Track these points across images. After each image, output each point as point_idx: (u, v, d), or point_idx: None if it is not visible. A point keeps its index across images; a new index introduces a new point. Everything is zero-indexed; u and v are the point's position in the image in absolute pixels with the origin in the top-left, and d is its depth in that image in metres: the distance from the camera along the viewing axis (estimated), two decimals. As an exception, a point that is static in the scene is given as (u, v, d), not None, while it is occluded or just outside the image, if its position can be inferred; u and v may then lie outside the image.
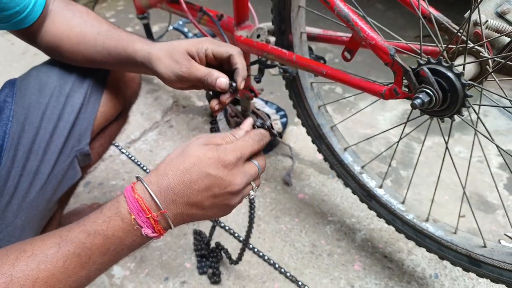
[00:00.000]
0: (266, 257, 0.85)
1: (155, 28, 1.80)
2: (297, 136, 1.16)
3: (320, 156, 1.09)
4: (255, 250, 0.87)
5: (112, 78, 0.68)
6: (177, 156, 0.45)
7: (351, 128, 1.18)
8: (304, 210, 0.96)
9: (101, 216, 0.41)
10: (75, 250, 0.39)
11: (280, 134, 1.12)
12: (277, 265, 0.84)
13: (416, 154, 1.08)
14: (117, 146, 1.16)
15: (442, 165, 0.65)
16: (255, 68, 0.79)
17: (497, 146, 0.56)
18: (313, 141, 0.84)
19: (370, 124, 1.19)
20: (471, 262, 0.64)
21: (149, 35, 1.41)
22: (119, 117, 0.79)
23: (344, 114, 1.24)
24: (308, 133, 0.84)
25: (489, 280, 0.63)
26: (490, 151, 1.08)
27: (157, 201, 0.42)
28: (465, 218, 0.90)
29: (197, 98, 1.35)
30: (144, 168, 1.09)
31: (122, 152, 1.14)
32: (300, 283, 0.80)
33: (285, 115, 1.15)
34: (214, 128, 0.60)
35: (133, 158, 1.12)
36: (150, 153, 1.15)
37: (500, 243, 0.65)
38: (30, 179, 0.59)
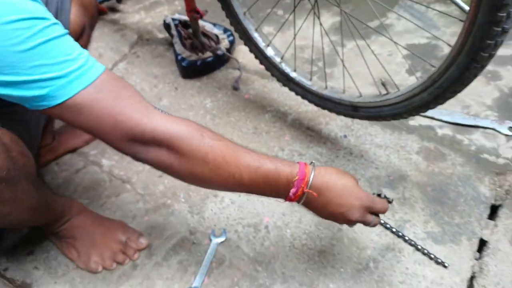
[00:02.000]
0: (219, 140, 1.11)
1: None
2: (244, 53, 1.38)
3: (262, 66, 1.32)
4: (211, 136, 1.12)
5: None
6: (345, 173, 0.67)
7: (288, 41, 1.40)
8: (249, 106, 1.20)
9: (282, 162, 0.63)
10: (255, 160, 0.61)
11: (229, 50, 1.34)
12: (227, 144, 1.09)
13: (338, 56, 1.32)
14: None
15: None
16: None
17: (391, 39, 0.79)
18: (245, 43, 1.06)
19: (304, 37, 1.41)
20: (353, 109, 0.90)
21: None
22: (83, 35, 0.98)
23: (283, 31, 1.46)
24: (240, 37, 1.06)
25: (366, 120, 0.89)
26: (399, 47, 1.32)
27: (310, 183, 0.63)
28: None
29: (158, 31, 1.55)
30: None
31: (99, 80, 1.36)
32: (244, 153, 1.07)
33: (231, 34, 1.36)
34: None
35: (108, 83, 1.34)
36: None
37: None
38: None
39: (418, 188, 0.94)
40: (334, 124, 1.11)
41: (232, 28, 1.09)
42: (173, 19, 1.38)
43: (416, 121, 1.10)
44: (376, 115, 0.85)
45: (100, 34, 1.56)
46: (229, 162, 0.60)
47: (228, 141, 0.63)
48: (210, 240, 0.90)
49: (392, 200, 0.73)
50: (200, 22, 1.33)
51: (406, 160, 1.00)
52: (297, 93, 1.02)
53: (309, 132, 1.10)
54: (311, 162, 0.67)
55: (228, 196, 0.97)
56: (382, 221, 0.88)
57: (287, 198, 0.65)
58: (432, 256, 0.82)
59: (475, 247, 0.84)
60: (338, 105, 0.92)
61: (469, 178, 0.95)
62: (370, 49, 0.88)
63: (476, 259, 0.82)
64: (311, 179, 0.63)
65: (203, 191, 0.99)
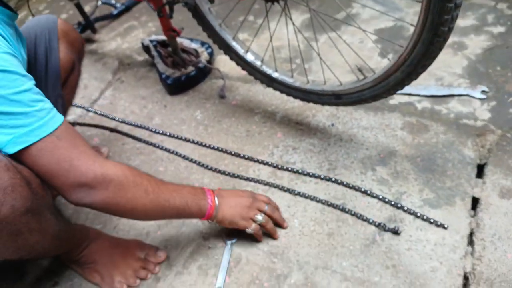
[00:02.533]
0: (216, 147, 1.16)
1: (87, 8, 1.99)
2: (224, 62, 1.44)
3: (244, 72, 1.37)
4: (207, 145, 1.17)
5: (60, 29, 0.91)
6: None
7: (265, 44, 1.46)
8: (237, 111, 1.26)
9: (196, 193, 0.82)
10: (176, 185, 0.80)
11: (209, 62, 1.39)
12: (223, 149, 1.14)
13: (313, 52, 1.38)
14: (83, 108, 1.41)
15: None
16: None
17: (359, 28, 0.86)
18: (225, 53, 1.12)
19: (278, 38, 1.48)
20: (336, 97, 0.96)
21: (82, 13, 1.62)
22: (74, 70, 1.03)
23: (258, 36, 1.52)
24: (219, 47, 1.12)
25: (350, 105, 0.96)
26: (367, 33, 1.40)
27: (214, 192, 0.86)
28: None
29: (137, 54, 1.60)
30: (110, 117, 1.35)
31: (89, 111, 1.40)
32: (241, 155, 1.12)
33: (209, 47, 1.42)
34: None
35: (99, 112, 1.38)
36: (111, 105, 1.41)
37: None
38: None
39: (408, 160, 1.01)
40: (321, 115, 1.17)
41: (210, 41, 1.14)
42: (151, 41, 1.43)
43: (396, 99, 1.16)
44: (358, 99, 0.91)
45: (82, 66, 1.60)
46: (164, 190, 0.76)
47: (152, 176, 0.78)
48: (225, 242, 0.94)
49: (447, 227, 0.87)
50: (178, 40, 1.38)
51: (392, 137, 1.06)
52: (281, 92, 1.08)
53: (299, 126, 1.16)
54: (213, 191, 0.87)
55: (233, 199, 1.02)
56: (380, 196, 0.94)
57: (208, 210, 0.83)
58: (432, 220, 0.88)
59: (469, 205, 0.90)
60: (321, 96, 0.98)
61: (453, 144, 1.01)
62: (342, 39, 0.95)
63: (472, 216, 0.89)
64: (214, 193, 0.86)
65: (208, 198, 1.04)
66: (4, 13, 0.71)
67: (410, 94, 1.15)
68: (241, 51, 1.08)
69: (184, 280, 0.90)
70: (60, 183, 0.65)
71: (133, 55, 1.61)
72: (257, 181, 1.04)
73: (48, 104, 0.65)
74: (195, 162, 1.13)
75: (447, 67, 1.21)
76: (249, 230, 0.88)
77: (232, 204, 0.86)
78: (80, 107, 1.41)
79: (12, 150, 0.61)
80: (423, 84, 1.16)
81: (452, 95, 1.12)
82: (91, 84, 1.51)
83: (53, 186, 0.66)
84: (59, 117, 0.66)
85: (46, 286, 0.93)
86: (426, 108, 1.12)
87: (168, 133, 1.23)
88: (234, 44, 1.08)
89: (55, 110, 0.66)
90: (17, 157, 0.62)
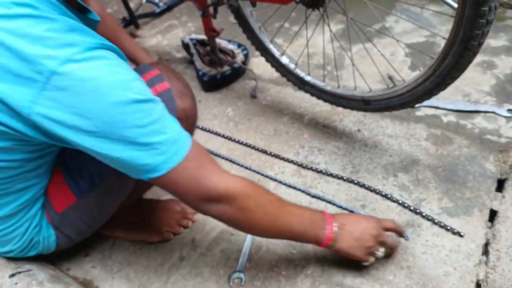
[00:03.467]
0: (244, 143, 1.22)
1: (131, 5, 2.10)
2: (258, 64, 1.51)
3: (276, 74, 1.44)
4: (237, 140, 1.23)
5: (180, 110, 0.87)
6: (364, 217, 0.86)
7: (299, 50, 1.53)
8: (267, 111, 1.32)
9: (309, 208, 0.82)
10: (298, 209, 0.79)
11: (244, 63, 1.46)
12: (252, 145, 1.20)
13: (347, 59, 1.43)
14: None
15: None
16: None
17: (394, 38, 0.91)
18: (261, 54, 1.19)
19: (311, 45, 1.54)
20: (365, 103, 1.01)
21: (128, 9, 1.73)
22: None
23: (293, 42, 1.59)
24: (256, 49, 1.19)
25: (377, 111, 1.00)
26: (401, 44, 1.44)
27: (334, 219, 0.80)
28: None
29: (176, 51, 1.69)
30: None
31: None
32: (268, 152, 1.17)
33: (245, 49, 1.49)
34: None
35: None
36: (148, 97, 1.50)
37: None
38: None
39: (430, 170, 1.04)
40: (348, 120, 1.22)
41: (246, 43, 1.21)
42: (191, 39, 1.51)
43: (422, 111, 1.20)
44: (386, 106, 0.96)
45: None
46: (284, 212, 0.76)
47: (276, 197, 0.78)
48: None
49: (464, 234, 0.90)
50: (217, 40, 1.46)
51: (416, 146, 1.10)
52: (312, 94, 1.14)
53: (326, 129, 1.21)
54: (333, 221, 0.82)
55: (258, 191, 1.08)
56: (400, 201, 0.98)
57: (325, 238, 0.79)
58: (449, 227, 0.92)
59: (487, 217, 0.93)
60: (351, 101, 1.03)
61: (475, 158, 1.04)
62: (376, 49, 1.00)
63: (489, 228, 0.92)
64: (333, 217, 0.81)
65: (234, 189, 1.10)
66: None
67: (437, 107, 1.19)
68: (277, 53, 1.15)
69: (207, 262, 0.96)
70: (189, 199, 0.70)
71: (172, 52, 1.70)
72: (280, 182, 1.09)
73: (175, 123, 0.66)
74: (223, 157, 1.19)
75: (475, 84, 1.24)
76: (363, 263, 0.84)
77: (354, 235, 0.80)
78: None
79: (154, 175, 0.64)
80: (451, 99, 1.19)
81: (478, 111, 1.15)
82: (131, 76, 1.60)
83: (182, 200, 0.72)
84: (186, 136, 0.67)
85: (79, 256, 1.01)
86: (452, 122, 1.15)
87: (200, 126, 1.30)
88: (271, 46, 1.15)
89: (181, 129, 0.67)
90: (156, 182, 0.66)
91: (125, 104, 0.59)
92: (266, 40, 1.15)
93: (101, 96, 0.58)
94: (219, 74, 1.40)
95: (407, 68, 1.36)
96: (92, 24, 0.76)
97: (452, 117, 1.17)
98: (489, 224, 0.92)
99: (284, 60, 1.14)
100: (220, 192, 0.69)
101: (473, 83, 1.24)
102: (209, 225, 1.03)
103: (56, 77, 0.56)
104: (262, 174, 1.12)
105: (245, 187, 0.72)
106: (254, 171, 1.13)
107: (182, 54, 1.66)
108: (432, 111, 1.19)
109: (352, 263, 0.86)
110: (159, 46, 1.75)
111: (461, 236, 0.90)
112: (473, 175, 1.01)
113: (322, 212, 0.81)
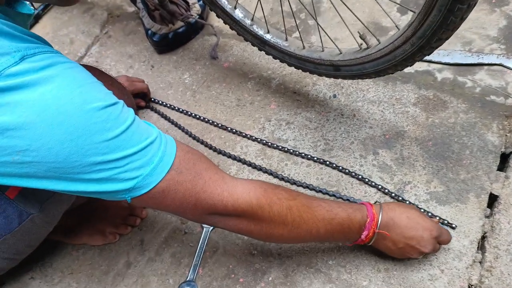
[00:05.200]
0: (201, 118, 1.04)
1: None
2: (220, 15, 1.27)
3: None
4: (193, 114, 1.05)
5: None
6: (406, 206, 0.70)
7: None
8: (229, 75, 1.11)
9: (352, 207, 0.65)
10: (328, 212, 0.63)
11: (202, 16, 1.22)
12: (210, 121, 1.02)
13: (323, 3, 1.18)
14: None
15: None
16: None
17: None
18: (210, 9, 0.95)
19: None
20: (335, 69, 0.80)
21: None
22: None
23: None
24: (204, 2, 0.95)
25: (350, 79, 0.80)
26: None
27: (379, 223, 0.64)
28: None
29: (128, 5, 1.43)
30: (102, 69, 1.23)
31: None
32: (229, 128, 0.99)
33: (202, -1, 1.24)
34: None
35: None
36: (97, 64, 1.29)
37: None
38: None
39: (418, 144, 0.86)
40: (322, 83, 1.01)
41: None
42: (138, -10, 1.26)
43: (412, 67, 0.98)
44: (359, 73, 0.75)
45: (70, 18, 1.47)
46: (307, 220, 0.62)
47: (302, 196, 0.65)
48: (202, 227, 0.85)
49: (456, 226, 0.75)
50: (165, -11, 1.21)
51: (402, 114, 0.91)
52: (274, 57, 0.92)
53: (296, 97, 1.01)
54: (376, 202, 0.72)
55: (215, 179, 0.92)
56: (380, 186, 0.81)
57: (357, 240, 0.67)
58: (437, 218, 0.76)
59: (485, 204, 0.76)
60: (318, 65, 0.82)
61: (474, 126, 0.85)
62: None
63: (487, 217, 0.75)
64: (379, 219, 0.65)
65: (190, 175, 0.94)
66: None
67: (430, 61, 0.96)
68: (228, 6, 0.91)
69: (156, 268, 0.83)
70: (189, 217, 0.62)
71: (124, 5, 1.45)
72: (244, 162, 0.93)
73: (154, 129, 0.56)
74: (182, 130, 1.02)
75: (479, 28, 0.99)
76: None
77: (398, 245, 0.67)
78: (64, 64, 1.30)
79: (136, 194, 0.52)
80: (447, 50, 0.96)
81: (481, 64, 0.93)
82: (78, 39, 1.38)
83: (185, 218, 0.66)
84: (171, 142, 0.56)
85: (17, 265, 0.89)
86: (447, 79, 0.94)
87: (153, 99, 1.11)
88: (220, -2, 0.91)
89: (161, 133, 0.56)
90: (139, 201, 0.54)
91: (86, 122, 0.47)
92: (213, -10, 0.91)
93: (51, 124, 0.45)
94: (171, 32, 1.17)
95: (396, 10, 1.10)
96: (22, 19, 0.58)
97: (448, 73, 0.95)
98: (488, 212, 0.76)
99: (238, 14, 0.91)
100: (228, 208, 0.59)
101: (476, 27, 1.00)
102: (160, 223, 0.89)
103: None
104: (225, 155, 0.95)
105: (258, 196, 0.60)
106: (216, 150, 0.96)
107: (134, 8, 1.41)
108: (424, 66, 0.97)
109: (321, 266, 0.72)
110: (109, -1, 1.50)
111: (452, 228, 0.75)
112: (471, 149, 0.83)
113: (365, 211, 0.65)
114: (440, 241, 0.68)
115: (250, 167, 0.92)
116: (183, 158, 0.55)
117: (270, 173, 0.89)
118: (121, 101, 0.52)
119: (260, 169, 0.91)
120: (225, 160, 0.95)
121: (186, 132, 1.02)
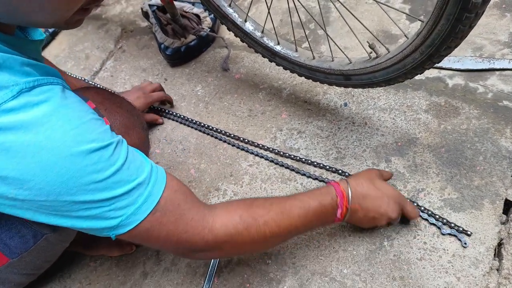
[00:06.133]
0: (214, 129, 1.05)
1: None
2: (230, 28, 1.29)
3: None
4: (206, 126, 1.07)
5: None
6: (369, 173, 0.74)
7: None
8: (241, 87, 1.13)
9: (321, 192, 0.68)
10: (301, 208, 0.66)
11: (213, 29, 1.25)
12: (223, 132, 1.04)
13: (332, 13, 1.20)
14: (85, 80, 1.33)
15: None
16: None
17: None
18: (221, 22, 0.98)
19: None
20: (345, 78, 0.81)
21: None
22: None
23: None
24: (215, 16, 0.97)
25: (361, 88, 0.81)
26: (400, -9, 1.18)
27: (350, 199, 0.68)
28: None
29: (141, 20, 1.47)
30: (110, 90, 1.26)
31: (91, 84, 1.32)
32: (241, 139, 1.01)
33: (213, 11, 1.26)
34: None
35: (99, 86, 1.30)
36: (111, 78, 1.32)
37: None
38: None
39: (430, 151, 0.86)
40: (333, 92, 1.02)
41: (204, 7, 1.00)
42: (150, 6, 1.29)
43: (423, 74, 0.98)
44: (369, 82, 0.76)
45: (85, 34, 1.51)
46: (284, 226, 0.65)
47: (275, 204, 0.66)
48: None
49: (471, 233, 0.75)
50: (178, 4, 1.24)
51: (414, 121, 0.91)
52: (285, 68, 0.94)
53: (307, 106, 1.02)
54: (341, 178, 0.75)
55: (230, 189, 0.93)
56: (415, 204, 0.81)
57: (335, 220, 0.70)
58: (452, 225, 0.75)
59: (500, 210, 0.76)
60: (328, 75, 0.83)
61: (487, 132, 0.85)
62: None
63: (503, 223, 0.75)
64: (349, 195, 0.68)
65: (204, 186, 0.96)
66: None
67: (440, 68, 0.97)
68: (238, 20, 0.93)
69: (172, 278, 0.84)
70: (175, 254, 0.69)
71: (137, 20, 1.49)
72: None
73: (146, 164, 0.56)
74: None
75: (490, 33, 0.99)
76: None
77: (369, 215, 0.71)
78: (82, 79, 1.33)
79: (120, 231, 0.55)
80: (458, 56, 0.97)
81: (493, 69, 0.93)
82: (92, 54, 1.42)
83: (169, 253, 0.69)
84: (161, 179, 0.57)
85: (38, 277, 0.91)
86: (459, 86, 0.94)
87: (167, 111, 1.14)
88: (230, 11, 0.93)
89: (153, 169, 0.57)
90: (123, 237, 0.56)
91: (77, 164, 0.49)
92: (223, 4, 0.93)
93: (44, 166, 0.47)
94: (184, 46, 1.20)
95: (405, 18, 1.11)
96: (33, 46, 0.60)
97: (459, 79, 0.95)
98: (503, 219, 0.75)
99: (248, 27, 0.93)
100: (209, 243, 0.61)
101: (486, 32, 1.00)
102: (175, 233, 0.90)
103: None
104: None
105: (235, 225, 0.62)
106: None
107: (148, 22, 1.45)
108: (434, 73, 0.98)
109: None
110: (123, 15, 1.54)
111: (468, 235, 0.74)
112: (484, 155, 0.82)
113: (333, 192, 0.68)
114: (406, 212, 0.73)
115: (262, 176, 0.93)
116: (169, 198, 0.57)
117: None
118: (115, 140, 0.53)
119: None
120: (238, 169, 0.96)
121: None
